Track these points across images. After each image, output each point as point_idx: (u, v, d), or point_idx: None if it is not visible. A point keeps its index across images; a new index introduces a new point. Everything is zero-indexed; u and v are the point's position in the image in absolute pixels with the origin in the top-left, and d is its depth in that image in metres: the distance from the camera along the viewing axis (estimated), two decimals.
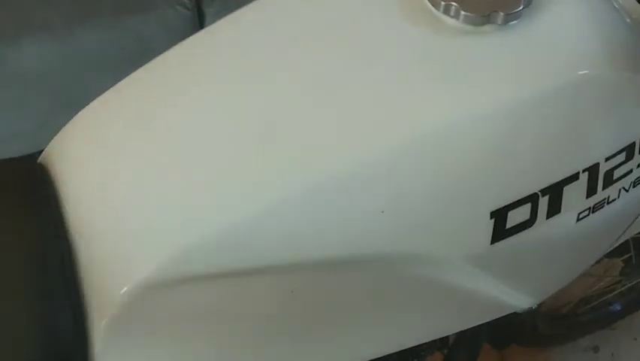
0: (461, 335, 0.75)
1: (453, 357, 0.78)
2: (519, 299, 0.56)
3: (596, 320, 1.19)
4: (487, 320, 0.57)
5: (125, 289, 0.44)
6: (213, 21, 1.33)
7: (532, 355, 1.21)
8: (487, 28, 0.48)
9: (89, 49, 1.18)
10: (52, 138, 1.46)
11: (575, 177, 0.49)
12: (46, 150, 0.55)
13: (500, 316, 0.57)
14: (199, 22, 1.25)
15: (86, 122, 0.53)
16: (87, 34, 1.17)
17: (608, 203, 0.52)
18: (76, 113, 1.41)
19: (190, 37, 0.54)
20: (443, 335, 0.59)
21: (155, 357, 0.47)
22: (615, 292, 1.13)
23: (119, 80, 1.41)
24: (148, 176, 0.47)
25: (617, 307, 1.18)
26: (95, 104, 0.54)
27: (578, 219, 0.51)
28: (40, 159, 0.54)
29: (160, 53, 1.34)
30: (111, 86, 1.33)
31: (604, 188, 0.51)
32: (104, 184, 0.48)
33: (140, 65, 1.35)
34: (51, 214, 0.49)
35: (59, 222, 0.48)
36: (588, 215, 0.51)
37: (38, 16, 1.15)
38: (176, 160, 0.47)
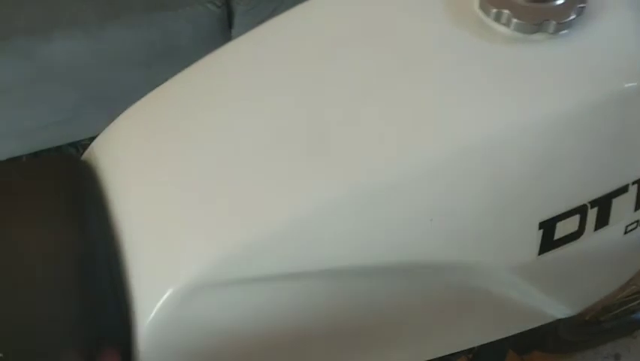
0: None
1: None
2: (558, 309, 0.56)
3: (618, 328, 1.18)
4: (524, 329, 0.57)
5: (171, 290, 0.44)
6: (242, 19, 1.34)
7: None
8: (538, 36, 0.48)
9: (119, 44, 1.19)
10: (81, 130, 1.47)
11: (624, 190, 0.48)
12: (90, 147, 0.55)
13: (537, 325, 0.57)
14: (228, 20, 1.25)
15: (131, 121, 0.53)
16: (117, 30, 1.17)
17: None
18: (106, 106, 1.43)
19: (232, 41, 0.54)
20: (480, 343, 0.59)
21: (199, 359, 0.47)
22: (638, 301, 1.13)
23: (148, 75, 1.43)
24: (194, 177, 0.47)
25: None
26: (137, 106, 0.54)
27: (626, 232, 0.50)
28: (84, 156, 0.55)
29: (189, 50, 1.35)
30: (140, 82, 1.34)
31: None
32: (150, 185, 0.48)
33: (169, 62, 1.36)
34: (97, 213, 0.49)
35: (105, 221, 0.49)
36: (636, 227, 0.51)
37: (69, 12, 1.15)
38: (223, 163, 0.47)
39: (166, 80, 1.43)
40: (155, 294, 0.45)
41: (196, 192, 0.46)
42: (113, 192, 0.49)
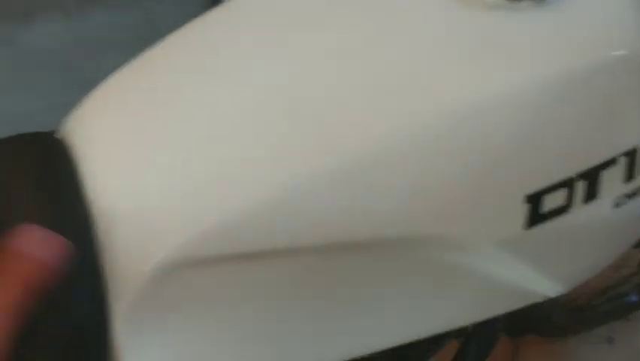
0: (479, 323, 0.74)
1: (470, 345, 0.77)
2: (547, 287, 0.54)
3: (612, 311, 1.17)
4: (513, 308, 0.55)
5: (148, 268, 0.42)
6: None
7: (546, 345, 1.20)
8: (524, 3, 0.46)
9: (101, 28, 1.17)
10: (63, 117, 1.46)
11: (612, 162, 0.47)
12: (63, 125, 0.53)
13: (526, 304, 0.55)
14: (213, 4, 1.23)
15: (104, 97, 0.51)
16: (98, 13, 1.15)
17: None
18: (88, 92, 1.40)
19: (207, 13, 0.52)
20: (466, 324, 0.58)
21: (177, 339, 0.46)
22: (632, 283, 1.12)
23: (131, 59, 1.40)
24: (169, 153, 0.45)
25: (633, 298, 1.16)
26: (113, 80, 0.52)
27: (616, 205, 0.49)
28: (58, 133, 0.53)
29: (172, 33, 1.33)
30: (123, 65, 1.32)
31: None
32: (125, 161, 0.46)
33: (152, 45, 1.33)
34: (71, 190, 0.47)
35: (79, 198, 0.47)
36: (626, 201, 0.49)
37: None
38: (198, 137, 0.45)
39: None
40: (133, 272, 0.43)
41: (172, 168, 0.45)
42: (89, 167, 0.47)
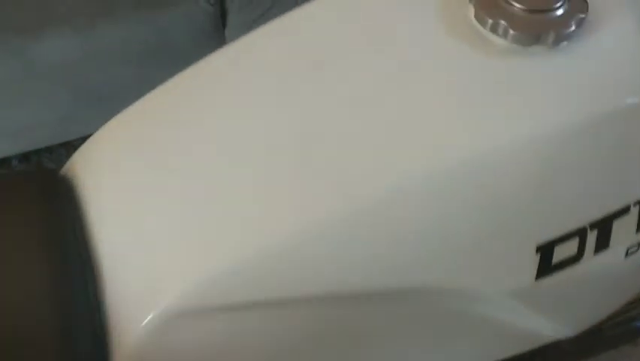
0: None
1: None
2: (556, 330, 0.53)
3: (620, 336, 1.16)
4: (522, 351, 0.54)
5: (150, 316, 0.42)
6: (236, 17, 1.32)
7: None
8: (536, 48, 0.46)
9: (111, 43, 1.17)
10: (73, 129, 1.46)
11: (625, 211, 0.46)
12: (69, 162, 0.53)
13: (534, 347, 0.55)
14: (221, 19, 1.22)
15: (110, 136, 0.51)
16: (109, 28, 1.15)
17: None
18: (98, 105, 1.41)
19: (223, 48, 0.52)
20: None
21: None
22: None
23: (140, 74, 1.40)
24: (175, 197, 0.45)
25: None
26: (117, 120, 0.51)
27: (627, 255, 0.48)
28: (62, 171, 0.52)
29: (182, 48, 1.33)
30: (132, 80, 1.31)
31: None
32: (130, 204, 0.46)
33: (162, 60, 1.33)
34: (74, 232, 0.47)
35: (81, 240, 0.46)
36: (638, 250, 0.48)
37: (61, 10, 1.13)
38: (206, 181, 0.45)
39: (158, 78, 1.40)
40: (135, 319, 0.43)
41: (178, 212, 0.44)
42: (92, 211, 0.47)
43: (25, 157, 1.37)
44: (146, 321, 0.42)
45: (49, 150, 1.38)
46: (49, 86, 1.20)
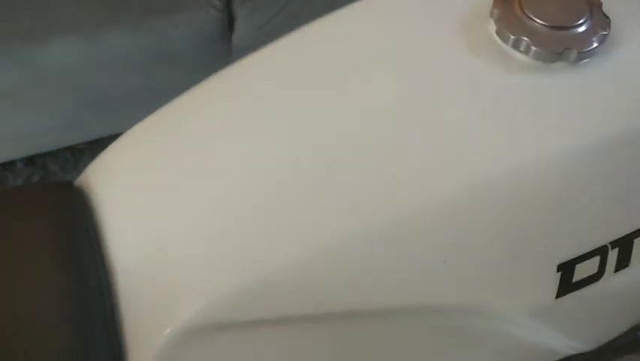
0: None
1: None
2: (572, 346, 0.53)
3: (627, 345, 1.16)
4: None
5: (169, 330, 0.42)
6: (243, 24, 1.31)
7: None
8: (558, 65, 0.45)
9: (117, 49, 1.16)
10: (78, 134, 1.45)
11: None
12: (84, 174, 0.52)
13: None
14: (229, 25, 1.22)
15: (126, 148, 0.51)
16: (115, 35, 1.15)
17: None
18: (104, 111, 1.40)
19: (236, 63, 0.51)
20: None
21: None
22: None
23: (147, 80, 1.40)
24: (192, 212, 0.44)
25: None
26: (133, 132, 0.51)
27: None
28: (77, 183, 0.52)
29: (189, 55, 1.32)
30: (138, 87, 1.31)
31: None
32: (146, 218, 0.45)
33: (169, 67, 1.33)
34: (90, 244, 0.46)
35: (98, 252, 0.46)
36: None
37: (66, 16, 1.12)
38: (223, 196, 0.44)
39: (165, 85, 1.40)
40: (152, 334, 0.42)
41: (195, 227, 0.44)
42: (108, 224, 0.47)
43: (30, 160, 1.37)
44: (163, 335, 0.42)
45: (54, 153, 1.38)
46: (55, 92, 1.20)
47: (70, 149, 1.38)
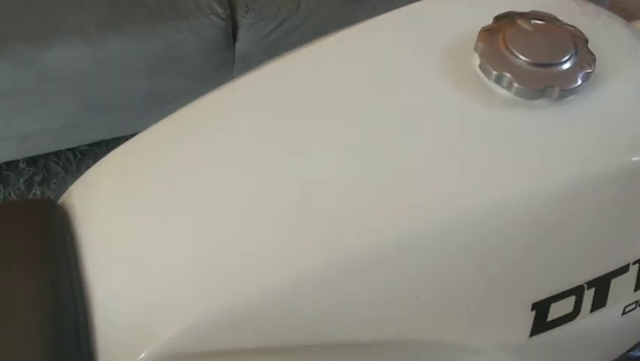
0: None
1: None
2: None
3: None
4: None
5: (143, 355, 0.42)
6: (247, 32, 1.31)
7: None
8: (540, 102, 0.45)
9: (121, 54, 1.17)
10: (80, 136, 1.46)
11: (624, 269, 0.46)
12: (67, 191, 0.53)
13: None
14: (232, 33, 1.22)
15: (108, 169, 0.51)
16: (119, 40, 1.15)
17: None
18: (106, 114, 1.40)
19: (221, 88, 0.51)
20: None
21: None
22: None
23: (150, 85, 1.40)
24: (170, 238, 0.45)
25: (639, 353, 1.14)
26: (119, 150, 0.51)
27: (624, 313, 0.47)
28: (61, 201, 0.52)
29: (192, 62, 1.32)
30: (141, 91, 1.31)
31: None
32: (125, 240, 0.46)
33: (171, 73, 1.33)
34: (68, 265, 0.47)
35: (76, 273, 0.46)
36: (634, 308, 0.48)
37: (71, 20, 1.13)
38: (200, 224, 0.44)
39: (167, 90, 1.39)
40: (126, 358, 0.43)
41: (173, 253, 0.44)
42: (87, 246, 0.47)
43: (32, 160, 1.38)
44: (139, 359, 0.42)
45: (56, 154, 1.39)
46: (58, 93, 1.21)
47: (73, 149, 1.39)
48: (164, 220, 0.45)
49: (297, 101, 0.48)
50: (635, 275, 0.46)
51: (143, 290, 0.44)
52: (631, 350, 1.16)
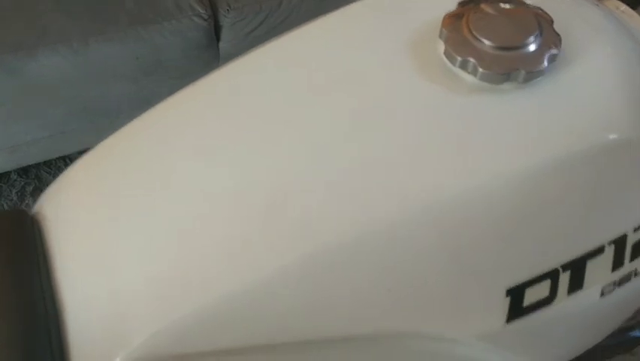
0: None
1: None
2: None
3: (617, 345, 1.14)
4: None
5: (119, 358, 0.42)
6: (230, 31, 1.31)
7: None
8: (506, 86, 0.45)
9: (104, 59, 1.17)
10: (69, 144, 1.46)
11: (600, 251, 0.45)
12: (38, 202, 0.52)
13: None
14: (215, 33, 1.22)
15: (77, 176, 0.51)
16: (102, 45, 1.15)
17: (636, 275, 0.48)
18: (93, 121, 1.40)
19: (190, 86, 0.51)
20: None
21: None
22: (636, 318, 1.09)
23: (135, 89, 1.40)
24: (142, 241, 0.44)
25: (638, 333, 1.14)
26: (88, 156, 0.51)
27: (602, 294, 0.47)
28: (32, 212, 0.52)
29: (176, 64, 1.32)
30: (127, 96, 1.31)
31: (631, 260, 0.47)
32: (94, 248, 0.45)
33: (156, 75, 1.32)
34: (39, 275, 0.47)
35: (47, 283, 0.46)
36: (613, 289, 0.47)
37: (54, 28, 1.13)
38: (172, 225, 0.44)
39: (153, 93, 1.40)
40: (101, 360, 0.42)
41: (143, 258, 0.44)
42: (57, 254, 0.47)
43: (24, 171, 1.38)
44: None
45: (47, 163, 1.39)
46: (45, 102, 1.21)
47: (64, 159, 1.39)
48: (132, 228, 0.45)
49: (262, 97, 0.47)
50: (612, 256, 0.46)
51: (115, 296, 0.43)
52: (631, 329, 1.15)
